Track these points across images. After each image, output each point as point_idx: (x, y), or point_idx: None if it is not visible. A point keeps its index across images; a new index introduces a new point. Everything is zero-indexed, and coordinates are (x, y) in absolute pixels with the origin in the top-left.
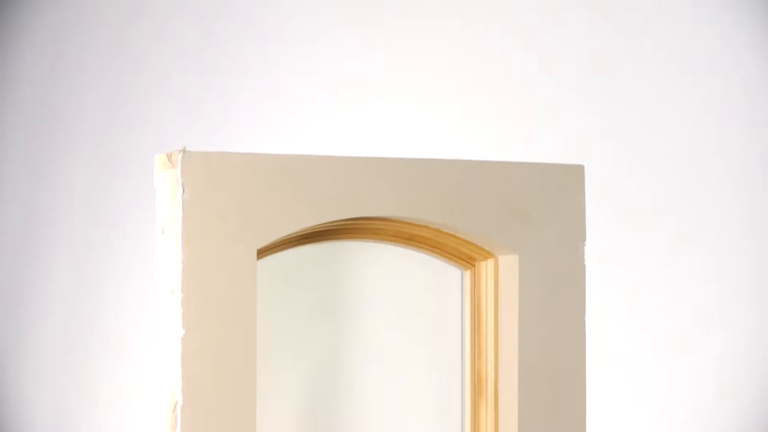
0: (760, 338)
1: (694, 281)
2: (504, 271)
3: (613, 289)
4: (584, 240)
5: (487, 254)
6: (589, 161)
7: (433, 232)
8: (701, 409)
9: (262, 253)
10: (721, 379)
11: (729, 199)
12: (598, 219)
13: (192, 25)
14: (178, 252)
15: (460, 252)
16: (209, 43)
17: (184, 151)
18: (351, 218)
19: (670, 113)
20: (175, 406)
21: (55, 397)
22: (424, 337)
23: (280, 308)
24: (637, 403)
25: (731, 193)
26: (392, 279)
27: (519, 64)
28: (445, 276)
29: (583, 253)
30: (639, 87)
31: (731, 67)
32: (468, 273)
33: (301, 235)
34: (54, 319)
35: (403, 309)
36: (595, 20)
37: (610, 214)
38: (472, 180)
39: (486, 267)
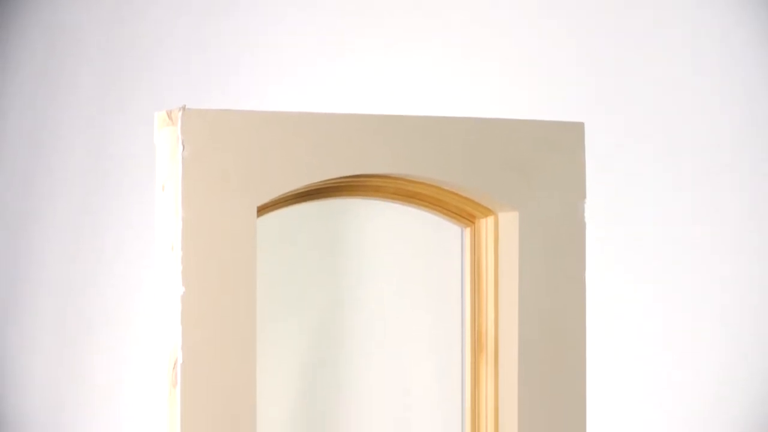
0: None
1: (694, 240)
2: (504, 229)
3: (612, 246)
4: (584, 198)
5: (487, 211)
6: (589, 119)
7: (433, 190)
8: (704, 361)
9: (262, 210)
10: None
11: (732, 157)
12: (598, 177)
13: None
14: (178, 209)
15: (461, 209)
16: (209, 1)
17: (183, 108)
18: (351, 175)
19: (673, 70)
20: (175, 364)
21: (54, 354)
22: (424, 295)
23: (280, 265)
24: (637, 357)
25: (734, 150)
26: (392, 236)
27: (520, 21)
28: (446, 233)
29: (583, 211)
30: (640, 43)
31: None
32: (468, 230)
33: (301, 193)
34: (53, 277)
35: (403, 266)
36: None
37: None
38: (472, 137)
39: (486, 224)
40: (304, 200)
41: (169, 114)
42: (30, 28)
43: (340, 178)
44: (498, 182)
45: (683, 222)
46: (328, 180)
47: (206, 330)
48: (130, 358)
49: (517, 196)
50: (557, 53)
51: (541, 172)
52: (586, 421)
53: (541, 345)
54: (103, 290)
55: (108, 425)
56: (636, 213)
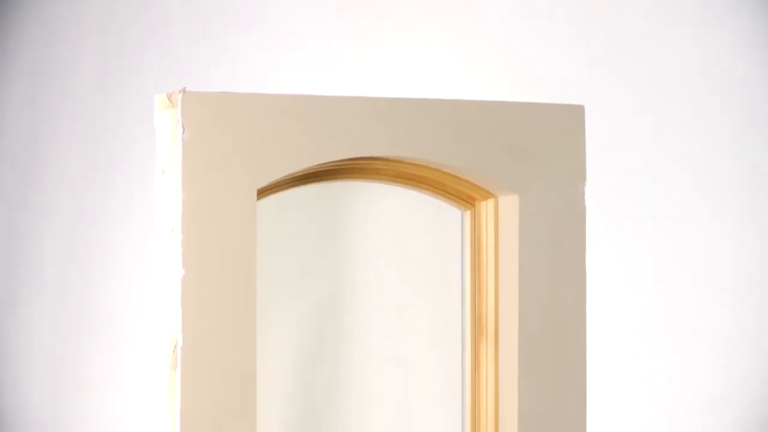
0: None
1: (695, 221)
2: (504, 211)
3: (613, 230)
4: (584, 180)
5: (488, 194)
6: (590, 102)
7: (433, 172)
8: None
9: (263, 193)
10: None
11: (733, 138)
12: (598, 160)
13: None
14: (178, 192)
15: (461, 192)
16: None
17: (184, 91)
18: (351, 158)
19: (674, 51)
20: (175, 347)
21: (54, 337)
22: (424, 277)
23: (280, 248)
24: (638, 339)
25: (735, 130)
26: (392, 219)
27: (520, 3)
28: (446, 216)
29: (583, 194)
30: (640, 25)
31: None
32: (468, 213)
33: (302, 175)
34: (53, 259)
35: (404, 249)
36: None
37: (610, 154)
38: (472, 120)
39: (486, 207)
40: (305, 183)
41: (169, 96)
42: (29, 12)
43: (341, 160)
44: (498, 165)
45: (684, 205)
46: (329, 163)
47: (206, 313)
48: (131, 342)
49: (517, 179)
50: (557, 36)
51: (542, 155)
52: (586, 405)
53: (541, 328)
54: (103, 277)
55: (108, 409)
56: (636, 196)
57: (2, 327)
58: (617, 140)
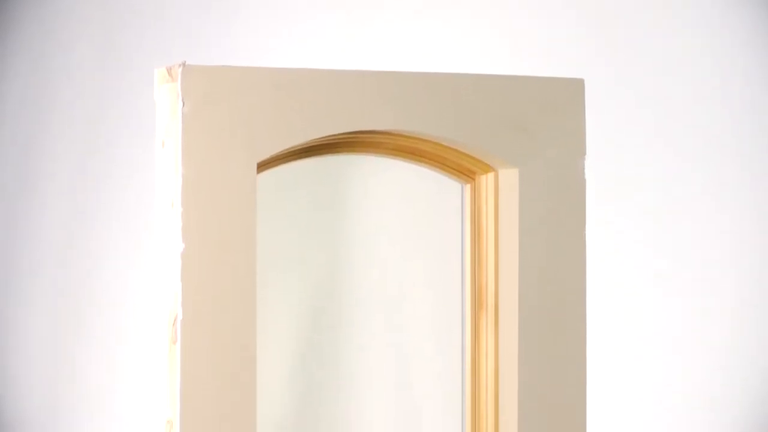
0: None
1: (695, 195)
2: (504, 185)
3: (613, 204)
4: (584, 154)
5: (487, 168)
6: (589, 76)
7: (433, 146)
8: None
9: (263, 166)
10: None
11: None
12: (598, 134)
13: None
14: (177, 165)
15: (461, 166)
16: None
17: (184, 64)
18: (351, 132)
19: (674, 24)
20: (175, 320)
21: (53, 308)
22: (424, 251)
23: (280, 221)
24: (637, 311)
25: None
26: (393, 192)
27: None
28: (446, 190)
29: (583, 168)
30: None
31: None
32: (468, 187)
33: (302, 149)
34: (53, 233)
35: (404, 222)
36: None
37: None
38: (472, 94)
39: (486, 181)
40: (305, 156)
41: (169, 70)
42: None
43: (341, 134)
44: (498, 139)
45: (683, 177)
46: (329, 136)
47: (206, 286)
48: (131, 316)
49: (517, 152)
50: (557, 9)
51: (541, 128)
52: (586, 377)
53: (541, 301)
54: (103, 251)
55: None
56: (636, 169)
57: (1, 299)
58: (617, 115)
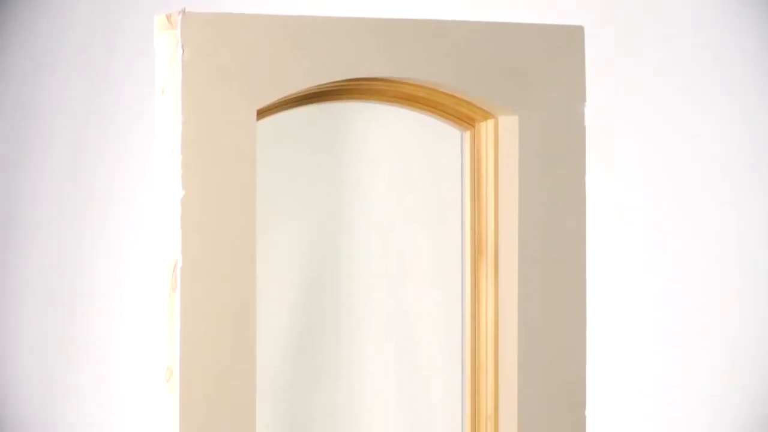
0: None
1: (695, 144)
2: (504, 132)
3: (612, 152)
4: (584, 101)
5: (487, 115)
6: (590, 23)
7: (433, 93)
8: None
9: (262, 113)
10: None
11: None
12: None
13: None
14: (177, 112)
15: (460, 112)
16: None
17: (183, 11)
18: (351, 79)
19: None
20: (174, 267)
21: (53, 253)
22: (423, 199)
23: (280, 168)
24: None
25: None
26: (392, 139)
27: None
28: (445, 137)
29: (583, 115)
30: None
31: None
32: (468, 134)
33: (301, 96)
34: (53, 178)
35: (403, 169)
36: None
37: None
38: (472, 41)
39: (486, 128)
40: (304, 103)
41: (168, 17)
42: None
43: (341, 81)
44: (497, 86)
45: (683, 124)
46: (328, 83)
47: (206, 233)
48: (130, 262)
49: (516, 99)
50: None
51: (541, 76)
52: (585, 326)
53: (541, 247)
54: (104, 196)
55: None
56: (636, 114)
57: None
58: (617, 61)
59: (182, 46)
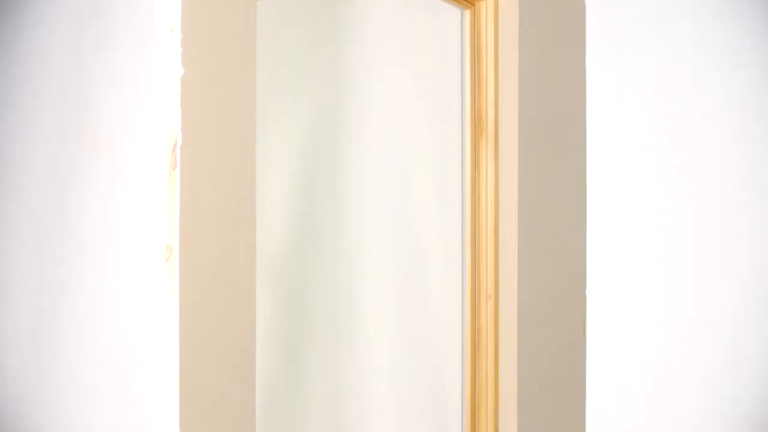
0: None
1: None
2: (504, 9)
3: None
4: None
5: None
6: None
7: None
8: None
9: None
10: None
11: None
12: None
13: None
14: None
15: None
16: None
17: None
18: None
19: None
20: (174, 146)
21: (55, 127)
22: (424, 79)
23: (280, 49)
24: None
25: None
26: (393, 20)
27: None
28: (445, 16)
29: None
30: None
31: None
32: (468, 12)
33: None
34: (57, 58)
35: (404, 49)
36: None
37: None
38: None
39: (486, 6)
40: None
41: None
42: None
43: None
44: None
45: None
46: None
47: (206, 111)
48: (131, 140)
49: None
50: None
51: None
52: (585, 201)
53: (541, 126)
54: (105, 77)
55: (106, 213)
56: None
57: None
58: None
59: None
